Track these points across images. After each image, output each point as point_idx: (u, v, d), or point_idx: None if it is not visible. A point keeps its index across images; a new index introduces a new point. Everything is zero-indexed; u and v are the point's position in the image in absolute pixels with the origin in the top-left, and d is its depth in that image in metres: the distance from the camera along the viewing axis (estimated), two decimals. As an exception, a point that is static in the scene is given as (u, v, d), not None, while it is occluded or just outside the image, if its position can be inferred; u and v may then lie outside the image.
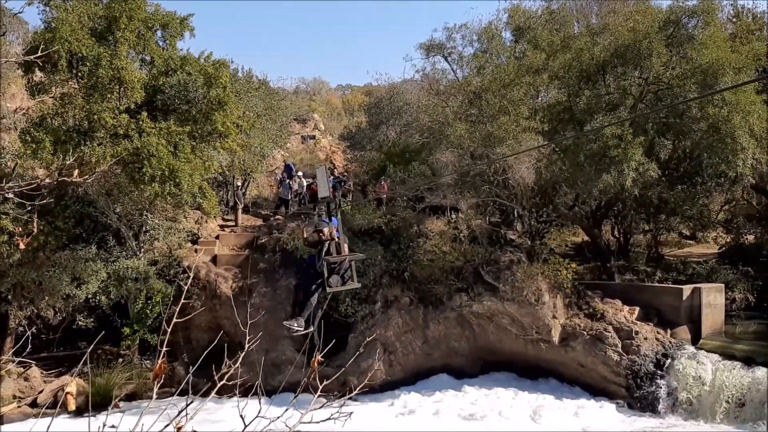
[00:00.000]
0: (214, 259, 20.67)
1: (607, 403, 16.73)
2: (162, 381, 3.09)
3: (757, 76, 18.55)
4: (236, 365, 3.06)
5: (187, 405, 2.65)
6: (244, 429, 2.64)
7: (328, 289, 8.45)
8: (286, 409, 2.80)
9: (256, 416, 2.73)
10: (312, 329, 8.62)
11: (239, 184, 24.93)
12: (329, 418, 2.89)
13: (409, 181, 21.89)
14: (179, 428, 2.38)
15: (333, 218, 9.29)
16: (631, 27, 18.00)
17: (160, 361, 2.45)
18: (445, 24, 48.82)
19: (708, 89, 16.67)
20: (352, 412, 3.11)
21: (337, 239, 8.74)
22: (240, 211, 24.07)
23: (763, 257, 23.63)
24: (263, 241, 21.12)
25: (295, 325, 8.54)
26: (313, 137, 38.60)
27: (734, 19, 21.73)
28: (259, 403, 2.87)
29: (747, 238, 25.77)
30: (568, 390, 17.85)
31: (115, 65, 15.68)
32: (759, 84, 19.92)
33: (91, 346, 4.13)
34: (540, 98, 20.83)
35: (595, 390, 17.47)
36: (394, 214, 21.27)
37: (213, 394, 3.28)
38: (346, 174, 29.20)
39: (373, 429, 14.98)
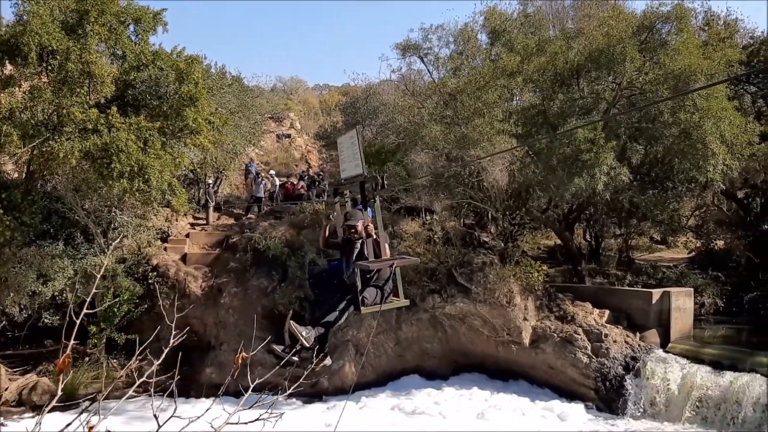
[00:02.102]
0: (184, 258, 20.43)
1: (576, 405, 16.82)
2: (129, 380, 2.98)
3: (729, 82, 18.81)
4: (155, 362, 2.92)
5: (97, 403, 2.56)
6: (158, 429, 2.55)
7: (363, 309, 5.99)
8: (207, 409, 2.70)
9: (171, 416, 2.64)
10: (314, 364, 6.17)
11: (210, 182, 24.67)
12: (257, 419, 2.81)
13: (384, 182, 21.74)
14: (90, 428, 2.29)
15: (368, 208, 6.60)
16: (606, 32, 18.12)
17: (64, 356, 2.35)
18: (421, 24, 48.97)
19: (681, 96, 16.84)
20: (283, 413, 3.03)
21: (375, 236, 6.15)
22: (211, 209, 23.81)
23: (733, 263, 23.97)
24: (234, 240, 20.92)
25: (304, 333, 6.02)
26: (289, 136, 38.36)
27: (705, 27, 21.98)
28: (174, 402, 2.78)
29: (717, 244, 26.13)
30: (538, 392, 17.91)
31: (85, 59, 15.37)
32: (730, 90, 20.20)
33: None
34: (514, 101, 20.90)
35: (565, 392, 17.55)
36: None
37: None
38: (321, 173, 29.02)
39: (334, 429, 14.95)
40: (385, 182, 6.07)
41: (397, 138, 23.68)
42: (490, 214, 22.45)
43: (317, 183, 26.33)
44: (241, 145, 24.30)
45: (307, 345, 6.07)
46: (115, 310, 17.64)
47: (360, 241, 6.27)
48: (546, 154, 17.90)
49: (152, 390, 2.67)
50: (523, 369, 18.50)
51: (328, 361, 6.22)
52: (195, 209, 24.26)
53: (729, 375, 15.25)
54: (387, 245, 6.29)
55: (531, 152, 18.54)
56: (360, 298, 5.94)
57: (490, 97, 18.22)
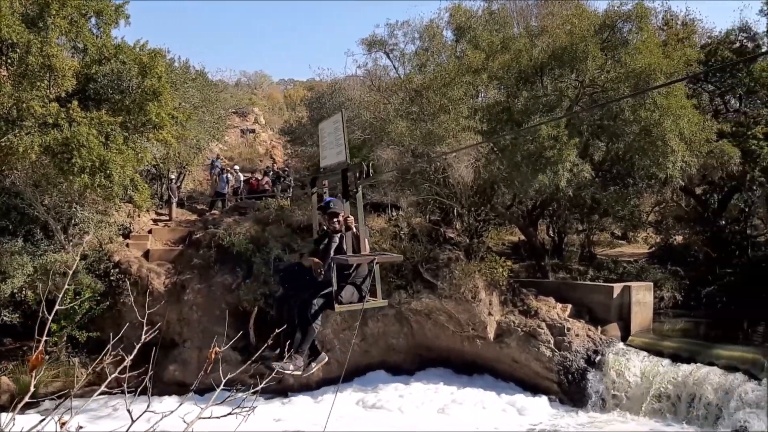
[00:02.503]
0: (147, 254, 20.17)
1: (540, 398, 17.06)
2: (91, 378, 2.95)
3: (688, 82, 19.21)
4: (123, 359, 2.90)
5: (69, 398, 2.53)
6: (130, 426, 2.54)
7: (337, 307, 5.66)
8: (180, 404, 2.70)
9: (145, 411, 2.63)
10: (313, 369, 6.15)
11: (173, 177, 24.36)
12: (230, 413, 2.82)
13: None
14: (62, 424, 2.26)
15: (344, 200, 6.00)
16: (569, 30, 18.34)
17: (37, 352, 2.32)
18: (387, 20, 48.93)
19: (640, 94, 17.14)
20: (255, 407, 3.04)
21: (355, 230, 5.71)
22: (174, 205, 23.54)
23: (691, 257, 24.54)
24: (198, 236, 20.72)
25: (291, 367, 5.80)
26: (253, 131, 38.06)
27: (664, 27, 22.41)
28: (149, 397, 2.77)
29: (676, 239, 26.74)
30: (503, 385, 18.11)
31: (45, 52, 15.08)
32: (689, 89, 20.64)
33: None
34: (480, 98, 21.04)
35: (529, 385, 17.78)
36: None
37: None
38: (286, 169, 28.88)
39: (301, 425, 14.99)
40: (371, 171, 5.99)
41: (363, 134, 23.64)
42: (455, 211, 22.61)
43: (282, 179, 26.21)
44: (204, 140, 24.04)
45: (302, 373, 5.93)
46: (77, 307, 17.33)
47: (338, 234, 5.96)
48: (510, 151, 18.07)
49: (125, 386, 2.65)
50: (488, 363, 18.69)
51: (324, 358, 6.17)
52: (158, 205, 23.95)
53: (687, 367, 15.62)
54: (367, 241, 5.94)
55: (496, 149, 18.71)
56: (336, 294, 5.62)
57: (455, 93, 18.31)
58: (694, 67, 19.16)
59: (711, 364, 15.40)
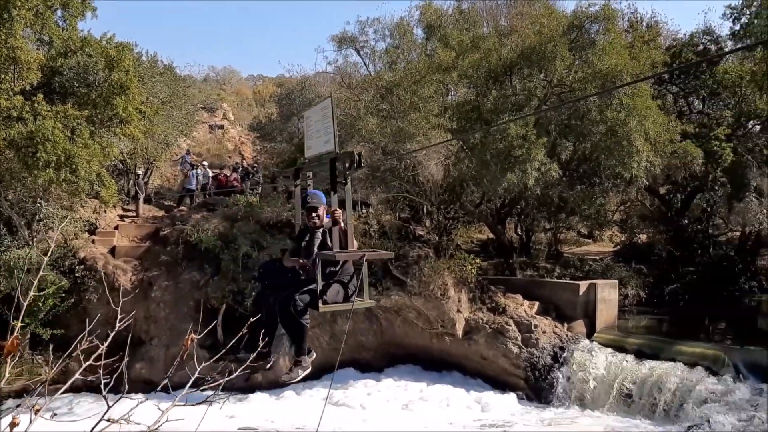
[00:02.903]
0: (113, 251, 19.88)
1: (509, 395, 17.22)
2: (55, 377, 2.92)
3: (653, 83, 19.55)
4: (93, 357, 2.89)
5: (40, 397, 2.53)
6: (106, 411, 2.54)
7: (322, 307, 5.29)
8: (139, 403, 2.70)
9: (120, 397, 2.63)
10: (300, 375, 5.75)
11: (141, 172, 24.05)
12: (204, 401, 2.84)
13: (320, 174, 21.73)
14: (15, 424, 2.26)
15: (332, 192, 5.76)
16: (538, 30, 18.54)
17: (12, 337, 2.30)
18: (358, 17, 48.85)
19: (607, 94, 17.41)
20: (229, 395, 3.07)
21: (342, 225, 5.37)
22: (141, 201, 23.24)
23: (655, 256, 25.02)
24: (165, 232, 20.49)
25: (301, 372, 5.63)
26: (222, 127, 37.75)
27: (630, 29, 22.76)
28: (124, 383, 2.77)
29: (640, 238, 27.23)
30: (471, 382, 18.27)
31: (10, 44, 14.78)
32: (654, 90, 21.01)
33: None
34: (449, 96, 21.16)
35: (496, 382, 17.96)
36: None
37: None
38: (255, 165, 28.70)
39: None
40: (362, 160, 5.32)
41: (333, 130, 23.58)
42: (425, 208, 22.72)
43: (251, 175, 26.04)
44: (172, 136, 23.80)
45: (288, 379, 5.66)
46: (40, 304, 17.01)
47: (321, 229, 5.62)
48: (480, 150, 18.21)
49: (101, 372, 2.65)
50: (457, 360, 18.83)
51: (309, 367, 5.78)
52: (124, 201, 23.65)
53: (650, 363, 15.93)
54: (353, 238, 5.52)
55: (465, 147, 18.84)
56: (320, 294, 5.26)
57: (425, 91, 18.39)
58: (659, 69, 19.51)
59: (673, 360, 15.73)
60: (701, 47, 23.33)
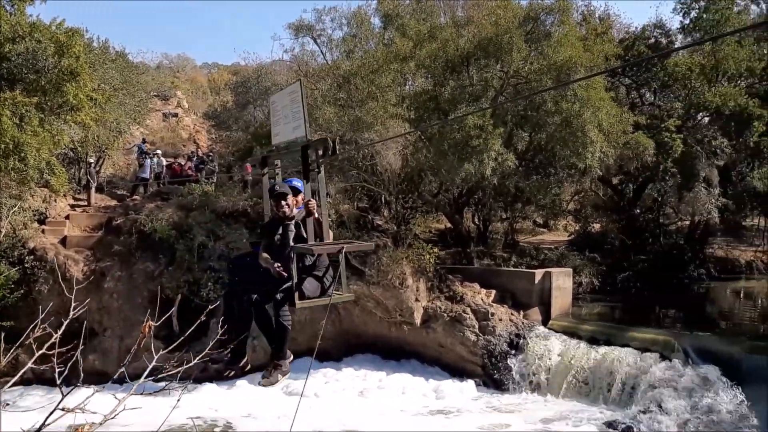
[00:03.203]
0: (64, 241, 19.40)
1: (467, 382, 17.38)
2: (4, 369, 2.83)
3: (606, 75, 19.89)
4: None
5: None
6: (60, 401, 2.48)
7: (299, 303, 5.00)
8: (95, 392, 2.65)
9: (74, 387, 2.57)
10: (279, 379, 5.39)
11: (92, 161, 23.47)
12: (163, 389, 2.79)
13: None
14: None
15: (300, 181, 5.42)
16: (494, 21, 18.64)
17: None
18: (314, 5, 48.49)
19: (562, 86, 17.63)
20: (187, 383, 3.02)
21: (317, 215, 5.04)
22: (93, 190, 22.71)
23: (608, 245, 25.54)
24: (118, 222, 20.07)
25: (280, 376, 5.36)
26: (176, 115, 37.06)
27: (583, 22, 23.09)
28: (80, 372, 2.70)
29: (594, 227, 27.77)
30: (430, 370, 18.39)
31: (-46, 30, 14.27)
32: (607, 82, 21.38)
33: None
34: (407, 86, 21.16)
35: (454, 369, 18.14)
36: (261, 196, 20.84)
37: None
38: (210, 154, 28.28)
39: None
40: (338, 146, 5.00)
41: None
42: (383, 198, 22.71)
43: (206, 164, 25.65)
44: (125, 124, 23.28)
45: (266, 383, 5.35)
46: (-13, 296, 16.54)
47: (294, 221, 5.30)
48: (437, 140, 18.28)
49: (55, 362, 2.58)
50: (415, 348, 18.94)
51: (289, 370, 5.42)
52: (75, 190, 23.07)
53: (603, 349, 16.27)
54: (329, 229, 5.25)
55: (423, 137, 18.88)
56: (296, 288, 4.93)
57: (383, 80, 18.36)
58: (612, 62, 19.84)
59: (625, 345, 16.09)
60: (653, 40, 23.82)
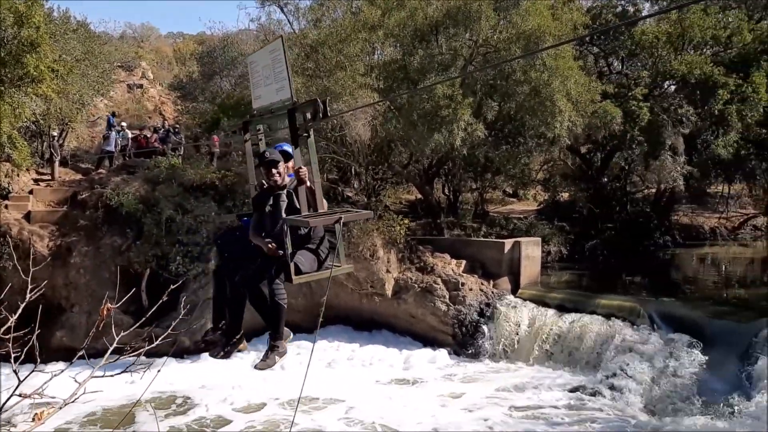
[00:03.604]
0: (28, 216, 18.98)
1: (440, 351, 17.53)
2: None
3: (574, 44, 19.91)
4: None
5: None
6: (17, 387, 2.42)
7: (295, 278, 4.58)
8: (53, 376, 2.58)
9: (33, 370, 2.50)
10: (276, 361, 4.95)
11: (55, 134, 22.90)
12: (125, 371, 2.73)
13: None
14: None
15: (290, 146, 4.95)
16: (463, -11, 18.48)
17: None
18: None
19: (531, 55, 17.61)
20: (152, 363, 2.96)
21: (309, 184, 4.70)
22: (57, 164, 22.18)
23: (576, 213, 25.86)
24: (84, 196, 19.68)
25: (277, 358, 4.93)
26: (141, 86, 36.31)
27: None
28: (36, 358, 2.62)
29: (562, 196, 28.08)
30: (401, 340, 18.53)
31: None
32: (576, 51, 21.41)
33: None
34: (376, 55, 20.95)
35: (425, 339, 18.29)
36: (229, 169, 20.63)
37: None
38: (177, 126, 27.80)
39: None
40: (329, 109, 4.64)
41: (258, 90, 23.04)
42: (353, 169, 22.62)
43: (173, 136, 25.22)
44: (88, 96, 22.70)
45: (262, 366, 4.88)
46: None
47: (285, 191, 4.92)
48: (407, 110, 18.19)
49: (11, 346, 2.50)
50: (386, 319, 19.05)
51: (286, 350, 5.01)
52: (39, 164, 22.51)
53: (571, 317, 16.55)
54: (322, 198, 4.82)
55: (393, 107, 18.77)
56: (290, 262, 4.55)
57: (351, 50, 18.15)
58: (581, 30, 19.86)
59: (593, 313, 16.39)
60: (620, 9, 23.89)
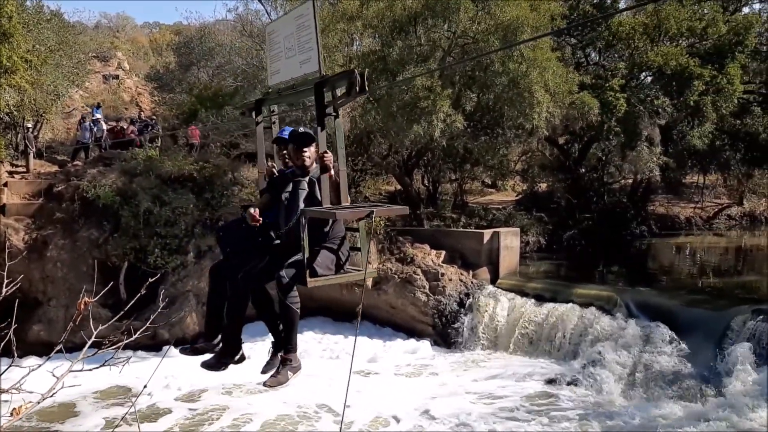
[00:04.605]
0: (2, 209, 18.72)
1: (423, 342, 17.59)
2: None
3: (553, 33, 20.01)
4: None
5: None
6: None
7: (311, 281, 4.05)
8: (30, 371, 2.57)
9: (9, 366, 2.49)
10: (290, 378, 4.29)
11: (30, 126, 22.56)
12: (103, 365, 2.72)
13: (223, 127, 21.18)
14: None
15: (319, 128, 4.12)
16: (441, -20, 18.46)
17: None
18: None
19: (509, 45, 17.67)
20: (130, 357, 2.93)
21: (334, 173, 4.01)
22: (32, 156, 21.86)
23: (554, 204, 26.08)
24: (60, 188, 19.44)
25: (290, 375, 4.24)
26: (117, 77, 35.86)
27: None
28: (13, 353, 2.61)
29: (540, 186, 28.29)
30: (382, 331, 18.58)
31: None
32: (553, 42, 21.52)
33: None
34: (354, 46, 20.89)
35: (405, 329, 18.36)
36: (207, 160, 20.49)
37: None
38: (154, 117, 27.54)
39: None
40: (367, 83, 3.89)
41: (236, 81, 22.97)
42: (332, 160, 22.51)
43: (150, 127, 24.99)
44: (63, 86, 22.37)
45: (275, 385, 4.22)
46: None
47: (307, 178, 4.24)
48: (386, 101, 18.18)
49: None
50: (367, 310, 19.06)
51: (300, 366, 4.35)
52: (13, 156, 22.19)
53: (549, 306, 16.71)
54: (345, 188, 4.15)
55: (372, 99, 18.74)
56: (308, 264, 3.99)
57: (330, 41, 18.06)
58: (558, 21, 19.95)
59: (570, 302, 16.55)
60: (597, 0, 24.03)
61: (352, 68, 4.01)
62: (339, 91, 4.06)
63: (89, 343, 2.69)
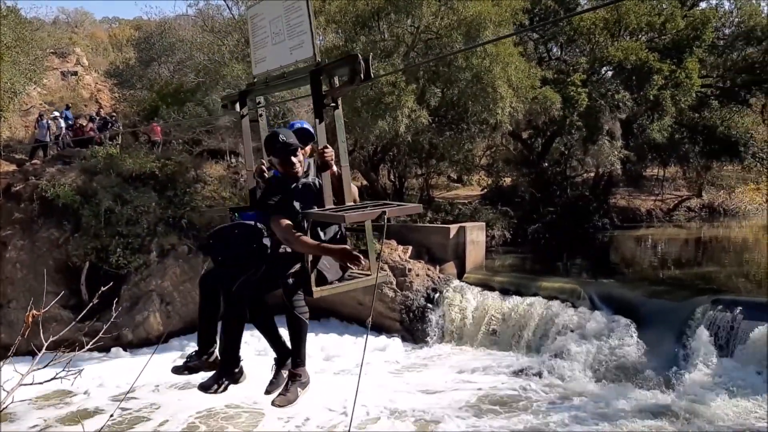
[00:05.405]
0: (-43, 210, 18.23)
1: (395, 339, 17.52)
2: None
3: (515, 29, 20.15)
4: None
5: None
6: None
7: (316, 291, 3.65)
8: (4, 362, 2.50)
9: None
10: (299, 395, 3.91)
11: (-15, 124, 22.01)
12: (54, 378, 2.63)
13: (185, 123, 20.88)
14: None
15: (317, 120, 3.72)
16: (404, -26, 18.44)
17: None
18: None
19: (471, 40, 17.74)
20: (82, 370, 2.85)
21: (336, 170, 3.73)
22: (-13, 155, 21.34)
23: (518, 198, 26.30)
24: (18, 188, 18.96)
25: (300, 392, 3.90)
26: (75, 73, 35.11)
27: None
28: None
29: (505, 181, 28.50)
30: (350, 329, 18.48)
31: None
32: (516, 37, 21.68)
33: None
34: (318, 41, 20.74)
35: (373, 326, 18.29)
36: (169, 158, 20.18)
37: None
38: (114, 114, 27.02)
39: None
40: (371, 69, 3.45)
41: (197, 77, 22.64)
42: (297, 157, 22.36)
43: (110, 125, 24.52)
44: (20, 84, 21.84)
45: (283, 404, 3.82)
46: None
47: (309, 177, 3.97)
48: (351, 97, 18.09)
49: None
50: (334, 307, 18.96)
51: (309, 383, 3.99)
52: (-33, 155, 21.62)
53: (514, 299, 16.83)
54: (353, 184, 3.87)
55: (336, 94, 18.63)
56: (314, 272, 3.62)
57: (293, 36, 17.90)
58: (520, 16, 20.08)
59: (535, 295, 16.70)
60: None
61: (353, 53, 3.60)
62: (337, 79, 3.71)
63: (42, 351, 2.61)
